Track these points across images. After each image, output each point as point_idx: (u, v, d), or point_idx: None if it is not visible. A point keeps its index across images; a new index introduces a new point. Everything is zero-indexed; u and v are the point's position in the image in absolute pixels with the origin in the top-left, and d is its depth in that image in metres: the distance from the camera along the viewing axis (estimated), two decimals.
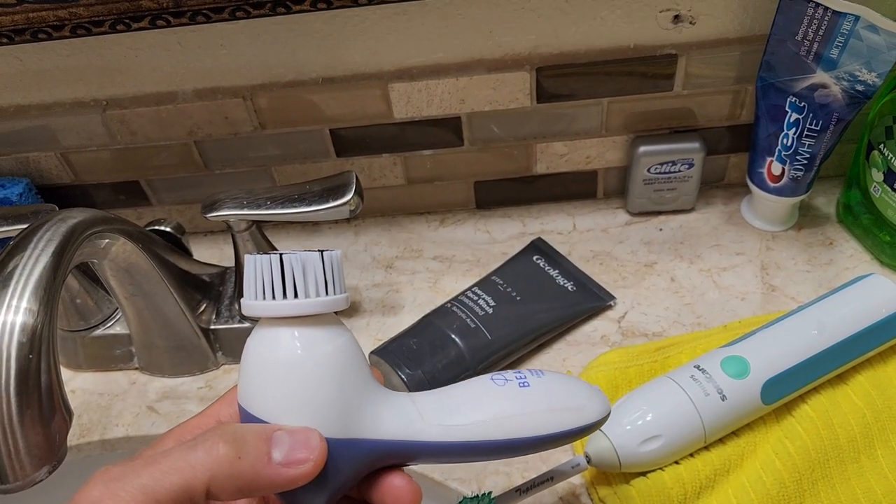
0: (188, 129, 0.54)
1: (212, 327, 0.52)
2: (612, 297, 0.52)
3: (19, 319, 0.36)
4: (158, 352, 0.52)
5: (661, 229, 0.57)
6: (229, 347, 0.52)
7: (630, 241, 0.56)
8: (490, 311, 0.49)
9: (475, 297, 0.50)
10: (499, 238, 0.58)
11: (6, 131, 0.53)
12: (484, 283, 0.52)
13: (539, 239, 0.56)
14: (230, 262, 0.54)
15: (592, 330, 0.52)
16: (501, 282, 0.52)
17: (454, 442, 0.30)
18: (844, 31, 0.44)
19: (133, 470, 0.26)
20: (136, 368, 0.53)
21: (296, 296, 0.28)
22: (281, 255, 0.27)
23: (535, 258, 0.54)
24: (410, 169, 0.57)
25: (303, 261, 0.27)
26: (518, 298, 0.51)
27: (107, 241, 0.43)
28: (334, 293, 0.28)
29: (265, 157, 0.56)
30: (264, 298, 0.27)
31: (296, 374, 0.28)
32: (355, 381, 0.29)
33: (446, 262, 0.57)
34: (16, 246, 0.39)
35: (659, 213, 0.58)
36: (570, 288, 0.52)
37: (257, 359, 0.28)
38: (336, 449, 0.28)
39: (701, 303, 0.52)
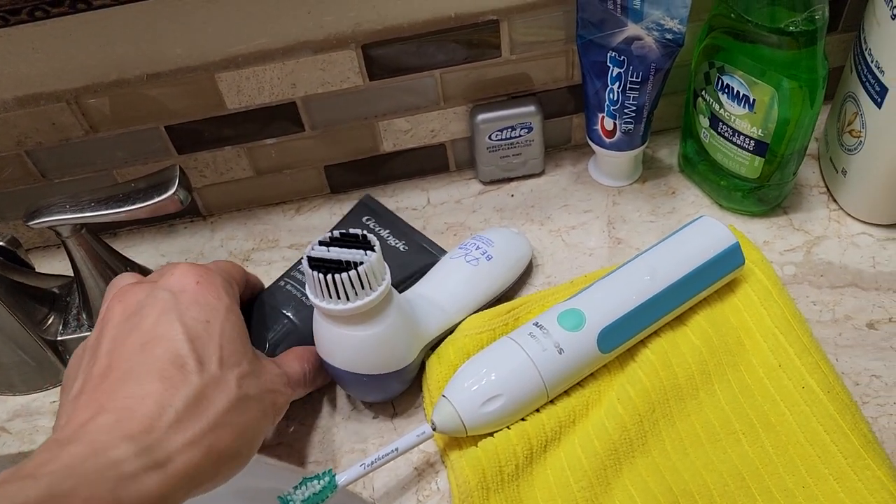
0: (15, 139, 0.52)
1: (59, 338, 0.51)
2: (444, 252, 0.52)
3: None
4: (5, 370, 0.50)
5: (512, 195, 0.58)
6: None
7: (483, 210, 0.57)
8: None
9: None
10: None
11: None
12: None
13: (367, 196, 0.56)
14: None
15: None
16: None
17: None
18: None
19: None
20: None
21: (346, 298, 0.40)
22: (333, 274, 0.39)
23: (364, 219, 0.54)
24: (256, 160, 0.57)
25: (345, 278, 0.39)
26: None
27: None
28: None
29: (105, 160, 0.55)
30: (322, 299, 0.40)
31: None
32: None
33: (302, 250, 0.56)
34: None
35: (510, 179, 0.59)
36: (401, 248, 0.52)
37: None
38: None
39: (551, 262, 0.53)
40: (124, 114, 0.52)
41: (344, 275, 0.39)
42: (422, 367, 0.47)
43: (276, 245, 0.57)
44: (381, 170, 0.59)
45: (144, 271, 0.52)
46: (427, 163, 0.59)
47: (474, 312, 0.49)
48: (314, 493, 0.39)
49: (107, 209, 0.45)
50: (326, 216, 0.59)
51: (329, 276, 0.39)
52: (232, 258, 0.57)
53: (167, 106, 0.52)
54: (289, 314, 0.48)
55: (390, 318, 0.42)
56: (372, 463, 0.41)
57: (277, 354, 0.45)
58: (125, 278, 0.42)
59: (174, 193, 0.45)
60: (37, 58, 0.48)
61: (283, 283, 0.49)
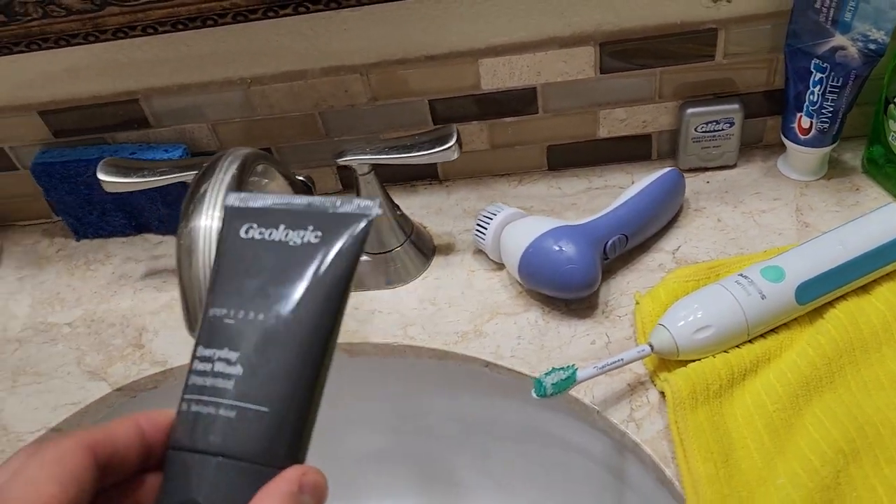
0: (315, 101, 0.66)
1: None
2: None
3: (214, 224, 0.48)
4: None
5: (708, 182, 0.67)
6: None
7: None
8: (238, 372, 0.29)
9: (207, 366, 0.29)
10: (568, 192, 0.68)
11: (170, 107, 0.66)
12: (207, 333, 0.30)
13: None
14: None
15: (651, 260, 0.61)
16: (225, 311, 0.30)
17: None
18: None
19: None
20: None
21: None
22: None
23: (244, 229, 0.31)
24: (495, 135, 0.68)
25: None
26: (260, 318, 0.29)
27: (266, 180, 0.55)
28: None
29: (376, 124, 0.67)
30: None
31: None
32: None
33: (525, 210, 0.67)
34: (203, 174, 0.51)
35: (706, 169, 0.68)
36: (331, 211, 0.31)
37: None
38: None
39: (744, 238, 0.62)
40: (400, 87, 0.65)
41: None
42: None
43: None
44: (593, 153, 0.69)
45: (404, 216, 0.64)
46: (633, 150, 0.69)
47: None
48: (561, 380, 0.49)
49: (398, 154, 0.58)
50: (544, 188, 0.69)
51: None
52: (465, 214, 0.68)
53: (434, 83, 0.64)
54: (205, 449, 0.28)
55: None
56: (603, 367, 0.51)
57: None
58: None
59: (453, 145, 0.57)
60: (346, 36, 0.62)
61: (184, 405, 0.29)
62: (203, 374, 0.29)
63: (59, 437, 0.27)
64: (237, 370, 0.29)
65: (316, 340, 0.29)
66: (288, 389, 0.29)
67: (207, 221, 0.48)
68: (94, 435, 0.28)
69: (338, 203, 0.31)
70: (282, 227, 0.31)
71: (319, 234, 0.30)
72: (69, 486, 0.26)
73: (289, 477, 0.27)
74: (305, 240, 0.30)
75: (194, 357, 0.30)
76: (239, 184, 0.49)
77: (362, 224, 0.30)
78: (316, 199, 0.31)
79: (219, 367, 0.29)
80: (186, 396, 0.29)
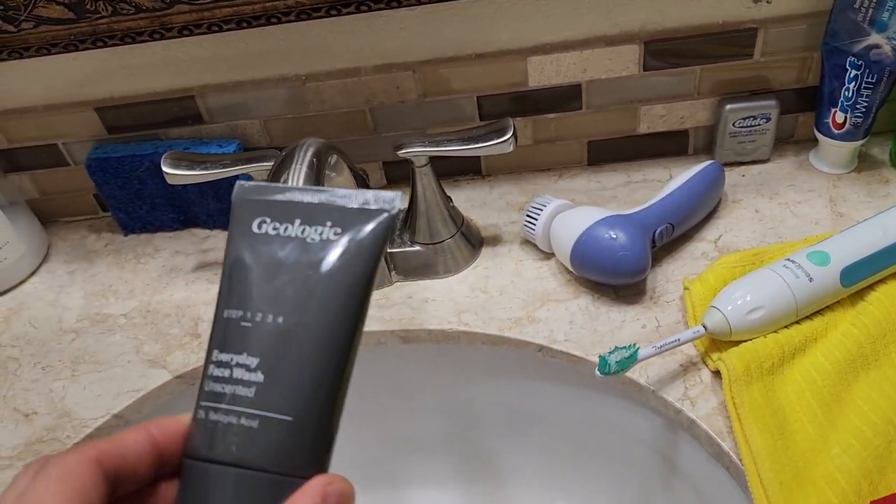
0: (366, 97, 0.68)
1: (387, 251, 0.65)
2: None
3: None
4: None
5: (743, 175, 0.70)
6: (401, 267, 0.66)
7: None
8: (259, 379, 0.28)
9: (224, 371, 0.29)
10: (608, 186, 0.71)
11: (224, 103, 0.68)
12: (223, 337, 0.29)
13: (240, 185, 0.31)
14: None
15: (694, 248, 0.64)
16: (241, 313, 0.29)
17: None
18: None
19: None
20: None
21: None
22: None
23: (256, 223, 0.30)
24: (538, 130, 0.71)
25: None
26: (280, 321, 0.29)
27: (334, 174, 0.57)
28: None
29: (423, 120, 0.70)
30: None
31: None
32: None
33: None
34: (281, 163, 0.53)
35: (741, 163, 0.71)
36: (350, 205, 0.30)
37: None
38: None
39: (782, 227, 0.65)
40: (449, 84, 0.67)
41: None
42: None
43: None
44: (632, 148, 0.72)
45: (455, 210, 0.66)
46: (670, 145, 0.72)
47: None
48: (624, 358, 0.52)
49: (457, 146, 0.60)
50: (584, 182, 0.72)
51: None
52: (508, 207, 0.71)
53: (483, 80, 0.67)
54: (224, 459, 0.28)
55: None
56: (661, 346, 0.53)
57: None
58: None
59: (510, 138, 0.59)
60: (401, 35, 0.64)
61: (201, 412, 0.29)
62: (221, 380, 0.28)
63: (66, 453, 0.27)
64: (257, 377, 0.28)
65: (339, 344, 0.28)
66: (311, 397, 0.28)
67: None
68: (102, 447, 0.28)
69: (356, 197, 0.29)
70: (297, 221, 0.29)
71: (339, 230, 0.29)
72: (76, 503, 0.25)
73: (313, 487, 0.27)
74: (324, 236, 0.29)
75: (209, 361, 0.29)
76: (317, 173, 0.51)
77: (384, 219, 0.29)
78: (332, 192, 0.30)
79: (238, 373, 0.28)
80: (203, 403, 0.29)
